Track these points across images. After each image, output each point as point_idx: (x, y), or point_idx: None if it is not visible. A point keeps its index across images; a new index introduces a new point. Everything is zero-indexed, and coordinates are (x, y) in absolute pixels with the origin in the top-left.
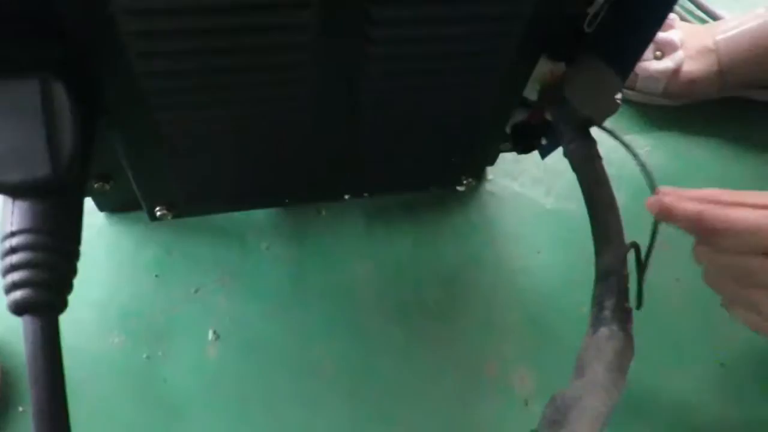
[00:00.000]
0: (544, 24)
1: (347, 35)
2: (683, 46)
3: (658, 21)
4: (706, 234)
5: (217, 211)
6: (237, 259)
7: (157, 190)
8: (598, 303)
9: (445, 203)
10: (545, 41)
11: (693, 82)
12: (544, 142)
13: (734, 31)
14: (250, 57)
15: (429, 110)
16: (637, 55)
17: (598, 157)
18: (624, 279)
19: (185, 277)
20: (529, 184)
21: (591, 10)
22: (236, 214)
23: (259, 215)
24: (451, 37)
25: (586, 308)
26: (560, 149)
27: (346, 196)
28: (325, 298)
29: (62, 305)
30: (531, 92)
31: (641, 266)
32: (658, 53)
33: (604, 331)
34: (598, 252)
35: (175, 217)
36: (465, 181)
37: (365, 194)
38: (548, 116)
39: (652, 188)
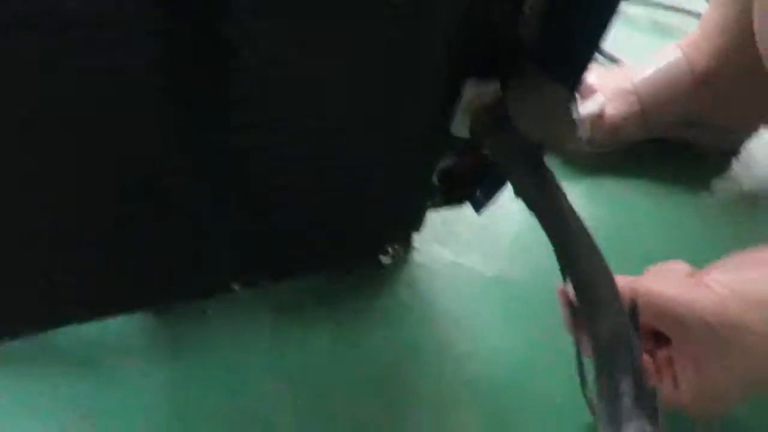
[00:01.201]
0: (468, 38)
1: (204, 48)
2: (600, 89)
3: (606, 14)
4: None
5: (37, 329)
6: (89, 395)
7: None
8: (609, 387)
9: (367, 284)
10: (471, 60)
11: (618, 125)
12: (477, 193)
13: (651, 71)
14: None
15: (328, 163)
16: (585, 61)
17: (561, 192)
18: (638, 347)
19: None
20: (463, 250)
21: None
22: (84, 328)
23: (119, 326)
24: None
25: (559, 393)
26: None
27: (235, 286)
28: None
29: None
30: (460, 127)
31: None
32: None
33: (631, 428)
34: (591, 318)
35: None
36: (390, 250)
37: (261, 282)
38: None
39: None
